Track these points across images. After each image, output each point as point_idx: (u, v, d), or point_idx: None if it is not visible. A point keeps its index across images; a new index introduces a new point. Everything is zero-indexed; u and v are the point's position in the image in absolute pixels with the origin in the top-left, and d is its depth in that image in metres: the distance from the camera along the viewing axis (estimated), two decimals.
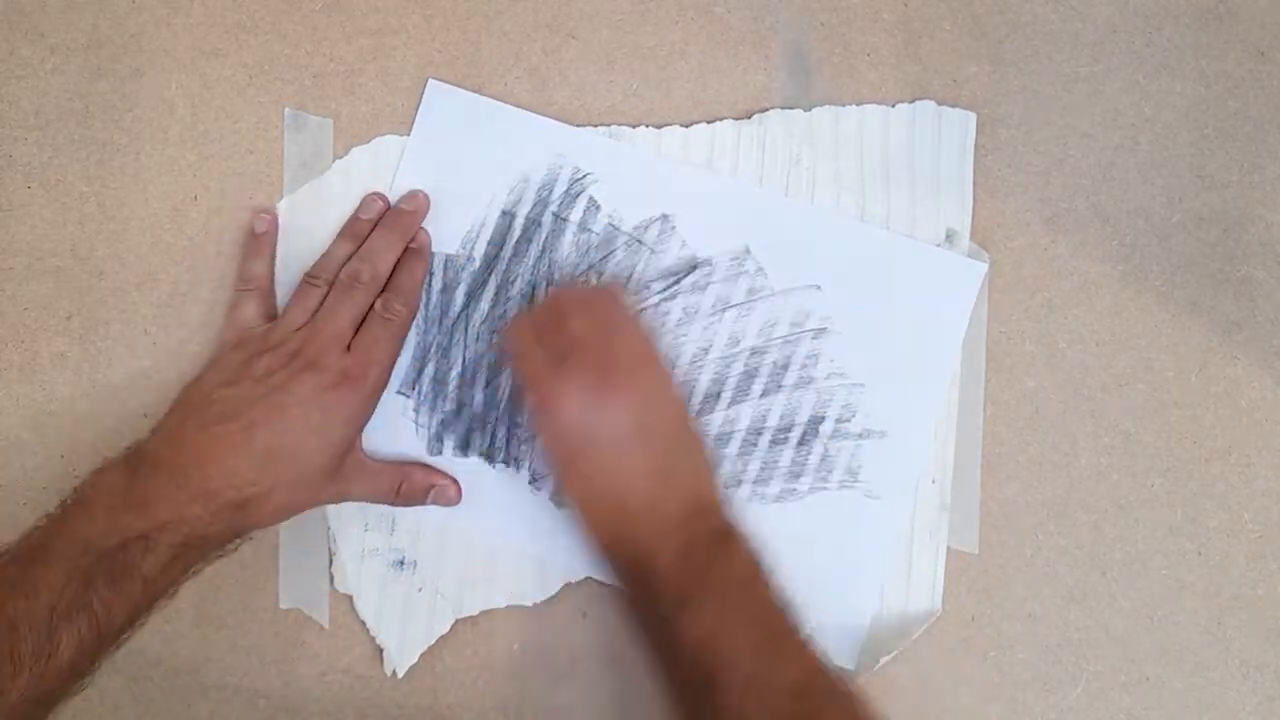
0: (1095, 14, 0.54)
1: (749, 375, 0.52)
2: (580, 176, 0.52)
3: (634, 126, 0.52)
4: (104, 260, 0.52)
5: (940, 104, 0.53)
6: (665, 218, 0.52)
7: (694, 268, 0.52)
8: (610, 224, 0.52)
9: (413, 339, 0.51)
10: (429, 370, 0.51)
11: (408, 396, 0.51)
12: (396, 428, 0.51)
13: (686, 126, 0.53)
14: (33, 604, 0.39)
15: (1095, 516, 0.52)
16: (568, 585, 0.51)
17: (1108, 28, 0.54)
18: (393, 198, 0.51)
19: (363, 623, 0.51)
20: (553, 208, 0.52)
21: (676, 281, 0.52)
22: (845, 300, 0.52)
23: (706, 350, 0.52)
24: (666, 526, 0.43)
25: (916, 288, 0.52)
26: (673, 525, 0.43)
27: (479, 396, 0.51)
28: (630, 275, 0.52)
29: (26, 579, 0.40)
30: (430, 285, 0.51)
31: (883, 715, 0.40)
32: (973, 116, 0.53)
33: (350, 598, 0.51)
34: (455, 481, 0.51)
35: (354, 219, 0.51)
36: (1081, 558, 0.52)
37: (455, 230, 0.52)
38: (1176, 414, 0.53)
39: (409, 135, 0.52)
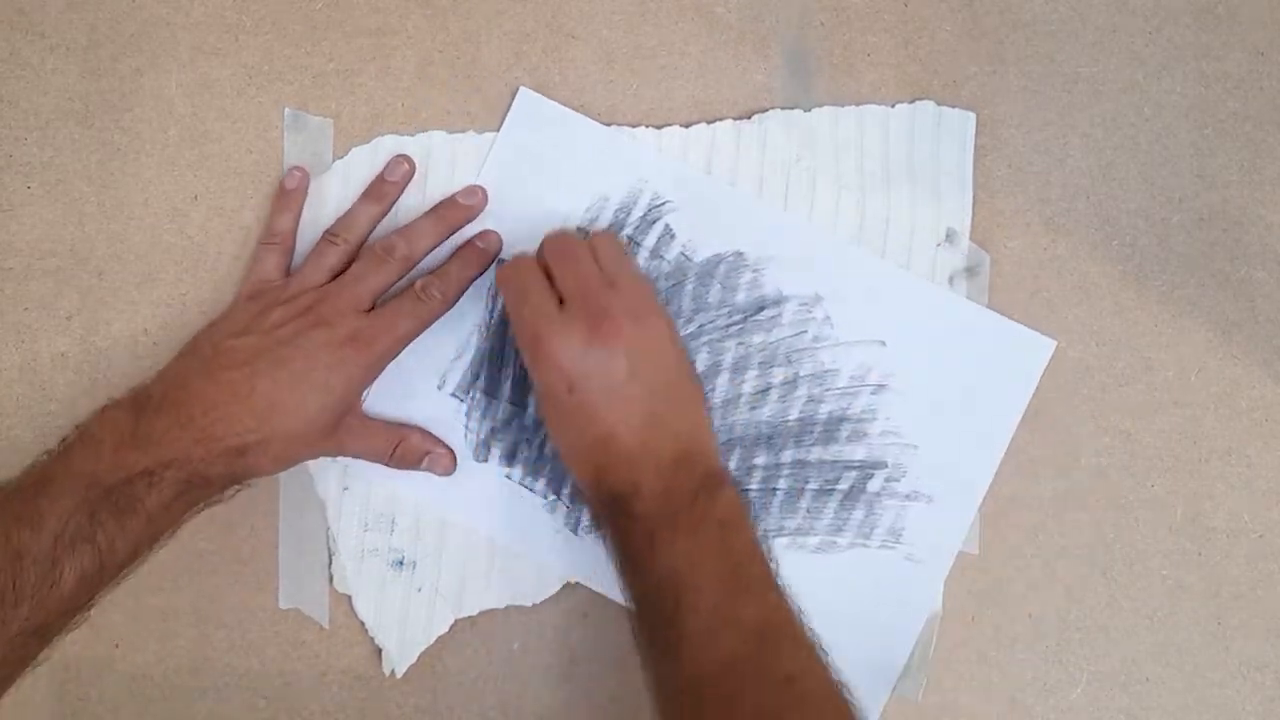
0: (1095, 14, 0.54)
1: (804, 422, 0.51)
2: (659, 203, 0.51)
3: (634, 126, 0.52)
4: (104, 260, 0.52)
5: (940, 104, 0.53)
6: (739, 254, 0.51)
7: (761, 308, 0.51)
8: (683, 254, 0.51)
9: (474, 343, 0.51)
10: (484, 376, 0.51)
11: (461, 400, 0.51)
12: (446, 429, 0.51)
13: (686, 127, 0.52)
14: (38, 535, 0.40)
15: (1095, 516, 0.52)
16: (568, 585, 0.51)
17: (1108, 28, 0.54)
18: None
19: (362, 623, 0.51)
20: (627, 230, 0.51)
21: (744, 320, 0.51)
22: (909, 359, 0.51)
23: (764, 392, 0.51)
24: (653, 465, 0.43)
25: (983, 356, 0.51)
26: (660, 464, 0.43)
27: (531, 409, 0.51)
28: (699, 307, 0.51)
29: (32, 510, 0.41)
30: (496, 292, 0.51)
31: (836, 668, 0.40)
32: (973, 116, 0.53)
33: (350, 598, 0.51)
34: (451, 451, 0.50)
35: (380, 180, 0.51)
36: (1081, 558, 0.52)
37: (528, 240, 0.50)
38: (1176, 414, 0.53)
39: (495, 135, 0.52)
